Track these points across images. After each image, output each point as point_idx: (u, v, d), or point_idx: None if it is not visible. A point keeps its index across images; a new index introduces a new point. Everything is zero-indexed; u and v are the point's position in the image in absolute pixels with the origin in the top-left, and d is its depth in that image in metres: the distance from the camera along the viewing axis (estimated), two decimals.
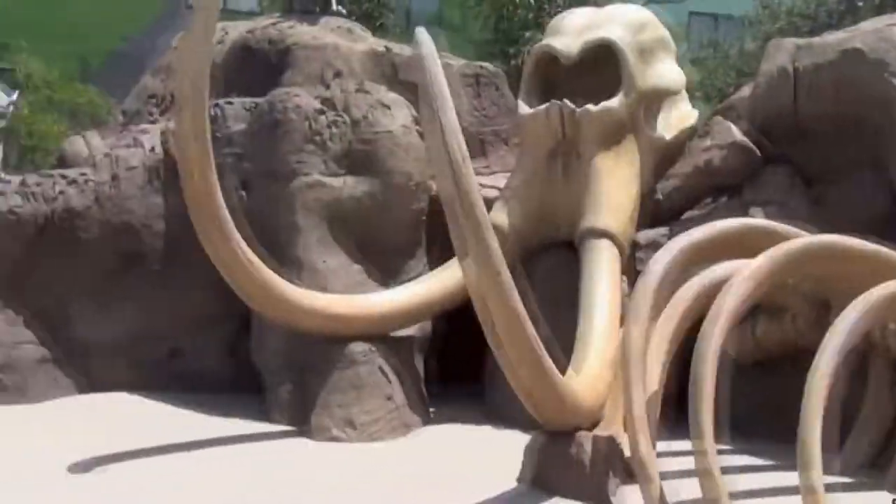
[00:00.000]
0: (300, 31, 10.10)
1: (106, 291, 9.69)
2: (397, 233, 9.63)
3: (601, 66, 9.37)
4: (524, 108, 9.43)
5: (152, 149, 9.99)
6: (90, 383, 9.69)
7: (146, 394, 9.61)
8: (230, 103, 9.68)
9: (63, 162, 10.16)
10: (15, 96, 9.77)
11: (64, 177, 9.64)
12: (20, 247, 9.35)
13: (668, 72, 9.82)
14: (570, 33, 9.51)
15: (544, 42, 9.75)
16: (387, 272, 9.51)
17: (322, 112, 9.42)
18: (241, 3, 19.65)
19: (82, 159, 10.06)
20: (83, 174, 9.73)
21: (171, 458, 7.70)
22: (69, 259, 9.56)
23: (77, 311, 9.65)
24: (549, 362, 6.26)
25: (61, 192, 9.54)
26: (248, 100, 9.75)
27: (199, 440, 8.16)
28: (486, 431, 8.96)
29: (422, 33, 5.67)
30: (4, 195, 9.21)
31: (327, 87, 9.61)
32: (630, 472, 6.96)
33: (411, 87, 10.18)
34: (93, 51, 16.67)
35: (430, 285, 9.00)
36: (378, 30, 12.23)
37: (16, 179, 9.54)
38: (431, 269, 9.45)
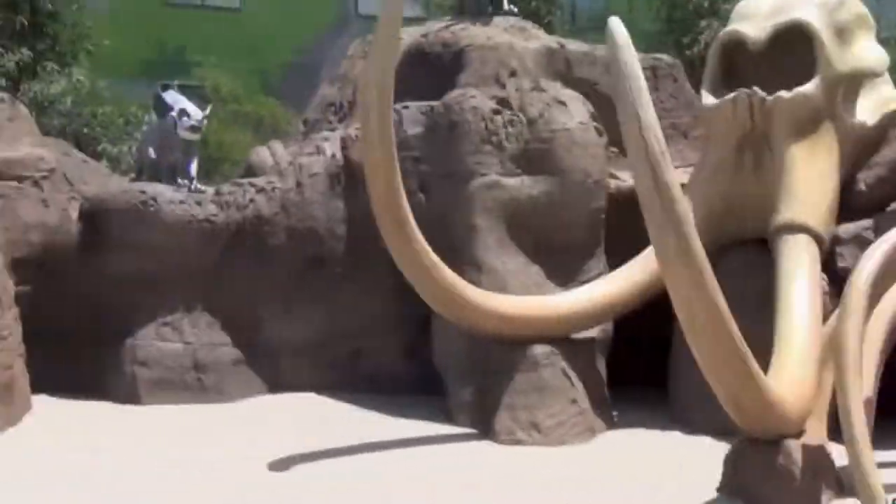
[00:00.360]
0: (473, 33, 10.08)
1: (292, 294, 10.02)
2: (576, 232, 9.43)
3: (790, 50, 8.78)
4: (708, 99, 8.99)
5: (333, 155, 10.26)
6: (280, 383, 10.05)
7: (331, 393, 9.87)
8: (406, 107, 9.79)
9: (250, 171, 10.61)
10: (208, 110, 10.27)
11: (253, 185, 10.06)
12: (216, 253, 9.83)
13: (868, 52, 9.09)
14: (758, 17, 8.98)
15: (731, 27, 9.25)
16: (566, 272, 9.33)
17: (498, 112, 9.36)
18: (405, 10, 19.94)
19: (268, 168, 10.47)
20: (270, 182, 10.11)
21: (359, 459, 7.85)
22: (259, 264, 9.97)
23: (266, 313, 10.04)
24: (755, 365, 5.89)
25: (251, 200, 9.96)
26: (423, 103, 9.83)
27: (383, 441, 8.29)
28: (675, 437, 8.61)
29: (615, 23, 5.45)
30: (201, 204, 9.69)
31: (503, 86, 9.54)
32: (841, 484, 6.46)
33: (587, 83, 10.03)
34: (272, 64, 17.46)
35: (613, 285, 8.74)
36: (545, 28, 12.02)
37: (210, 189, 10.04)
38: (611, 268, 9.18)
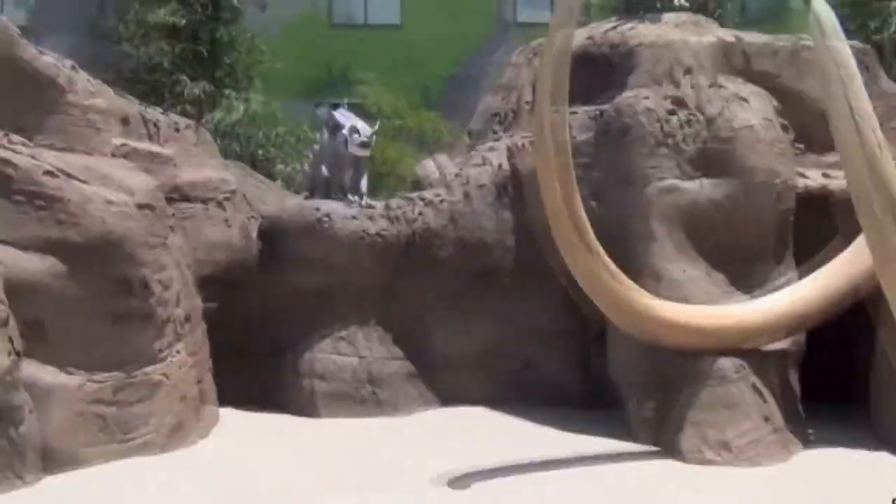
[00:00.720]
0: (643, 31, 9.67)
1: (462, 307, 9.95)
2: (762, 236, 8.84)
3: None
4: None
5: (500, 166, 10.13)
6: (451, 396, 9.99)
7: (502, 407, 9.73)
8: (574, 113, 9.47)
9: (417, 185, 10.65)
10: (377, 127, 10.39)
11: (422, 199, 10.09)
12: (387, 267, 9.90)
13: None
14: None
15: None
16: (752, 280, 8.78)
17: (673, 112, 8.92)
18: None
19: (434, 181, 10.47)
20: (438, 195, 10.10)
21: (537, 477, 7.61)
22: (428, 277, 9.96)
23: (437, 326, 10.01)
24: None
25: (420, 214, 9.98)
26: (592, 108, 9.52)
27: (562, 457, 8.04)
28: (883, 458, 7.87)
29: (821, 7, 4.99)
30: (373, 219, 9.80)
31: (677, 85, 9.08)
32: None
33: (769, 76, 9.40)
34: (432, 77, 17.62)
35: (806, 293, 8.13)
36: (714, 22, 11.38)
37: (380, 204, 10.14)
38: (801, 275, 8.53)
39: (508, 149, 10.19)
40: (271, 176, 12.67)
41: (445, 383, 10.00)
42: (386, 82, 15.70)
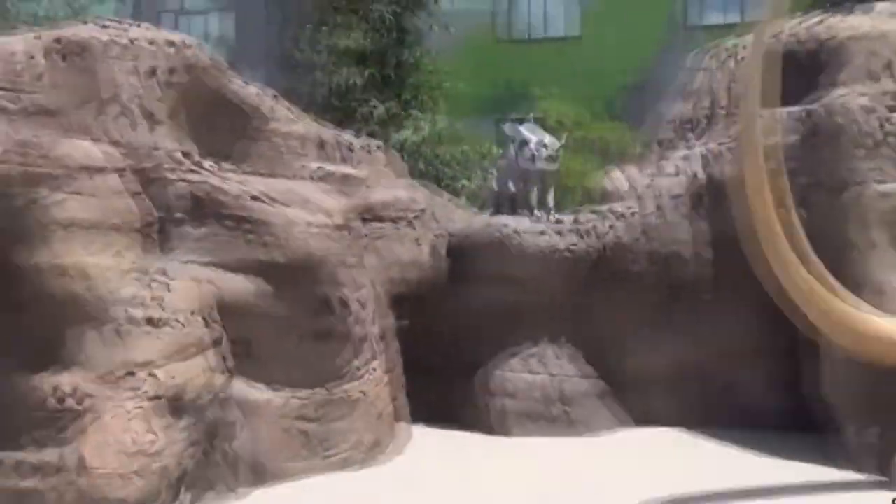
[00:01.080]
0: (855, 23, 8.95)
1: (655, 324, 9.56)
2: None
3: None
4: None
5: (695, 174, 9.67)
6: (646, 417, 9.61)
7: (699, 430, 9.27)
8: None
9: (605, 197, 10.33)
10: (564, 140, 10.20)
11: (612, 212, 9.79)
12: (577, 282, 9.66)
13: None
14: None
15: None
16: None
17: (894, 110, 8.15)
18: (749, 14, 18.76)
19: (623, 193, 10.13)
20: (629, 207, 9.78)
21: None
22: (620, 293, 9.63)
23: (629, 344, 9.66)
24: None
25: (611, 227, 9.69)
26: (797, 108, 8.88)
27: (771, 486, 7.49)
28: None
29: None
30: (562, 234, 9.60)
31: None
32: None
33: None
34: (612, 87, 17.27)
35: None
36: None
37: (569, 219, 9.92)
38: None
39: (703, 156, 9.71)
40: (455, 193, 12.74)
41: (639, 403, 9.64)
42: (565, 95, 15.49)
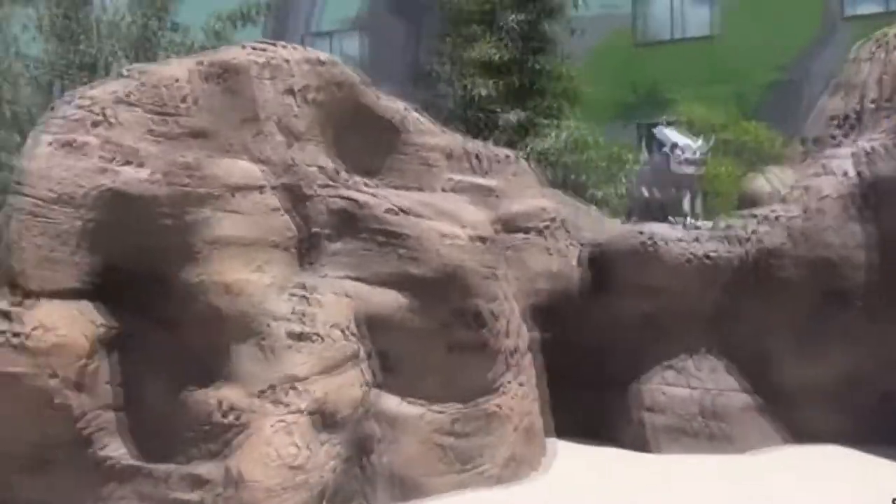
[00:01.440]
0: None
1: (807, 333, 9.04)
2: None
3: None
4: None
5: (846, 174, 9.10)
6: (798, 432, 9.11)
7: (858, 445, 8.71)
8: None
9: (747, 201, 9.87)
10: (712, 142, 9.78)
11: (754, 216, 9.32)
12: (718, 291, 9.24)
13: None
14: None
15: None
16: None
17: None
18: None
19: (766, 196, 9.65)
20: (773, 211, 9.29)
21: None
22: (767, 301, 9.15)
23: (778, 354, 9.17)
24: None
25: (753, 232, 9.22)
26: None
27: None
28: None
29: None
30: (701, 241, 9.20)
31: None
32: None
33: None
34: (751, 87, 16.59)
35: None
36: None
37: (707, 224, 9.51)
38: None
39: (855, 154, 9.11)
40: (587, 201, 12.49)
41: (791, 418, 9.13)
42: (700, 96, 14.99)
